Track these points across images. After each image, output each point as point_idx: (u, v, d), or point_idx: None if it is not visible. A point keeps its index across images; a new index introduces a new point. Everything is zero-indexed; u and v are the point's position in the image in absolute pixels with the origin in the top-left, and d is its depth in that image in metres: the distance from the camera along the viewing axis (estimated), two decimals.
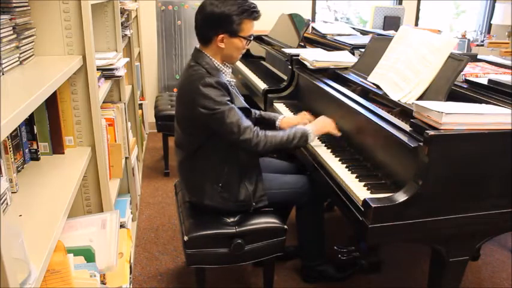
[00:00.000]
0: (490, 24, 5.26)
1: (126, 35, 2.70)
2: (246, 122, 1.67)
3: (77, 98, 1.53)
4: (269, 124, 2.05)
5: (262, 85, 2.85)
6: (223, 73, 1.75)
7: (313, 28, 3.30)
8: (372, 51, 2.17)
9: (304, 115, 2.08)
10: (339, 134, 1.91)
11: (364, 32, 3.23)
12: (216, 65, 1.73)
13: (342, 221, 2.69)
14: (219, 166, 1.76)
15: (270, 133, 1.72)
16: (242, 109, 1.80)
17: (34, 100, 1.00)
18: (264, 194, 1.82)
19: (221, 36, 1.67)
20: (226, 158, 1.76)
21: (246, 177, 1.79)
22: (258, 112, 2.06)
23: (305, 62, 2.45)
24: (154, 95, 4.21)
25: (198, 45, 1.76)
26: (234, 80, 1.89)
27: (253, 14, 1.68)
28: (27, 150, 1.39)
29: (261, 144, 1.68)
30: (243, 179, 1.79)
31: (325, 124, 1.92)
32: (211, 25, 1.67)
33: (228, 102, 1.66)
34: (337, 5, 5.22)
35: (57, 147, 1.50)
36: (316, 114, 2.30)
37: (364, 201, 1.39)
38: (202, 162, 1.77)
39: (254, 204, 1.80)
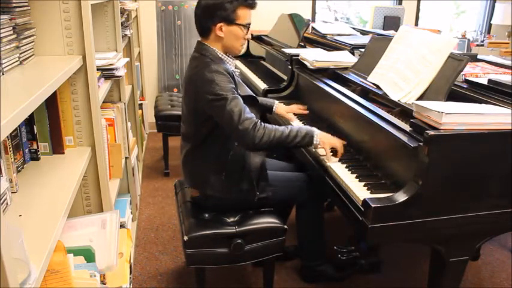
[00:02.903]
0: (490, 24, 5.26)
1: (126, 35, 2.70)
2: (248, 114, 1.65)
3: (77, 98, 1.53)
4: (266, 109, 2.17)
5: (262, 85, 2.85)
6: (228, 63, 1.76)
7: (313, 28, 3.29)
8: (371, 51, 2.17)
9: (298, 105, 2.29)
10: (341, 152, 1.77)
11: (364, 32, 3.22)
12: (220, 55, 1.75)
13: (342, 221, 2.69)
14: (223, 156, 1.76)
15: (270, 127, 1.66)
16: (247, 97, 1.81)
17: (34, 100, 1.00)
18: (268, 185, 1.82)
19: (219, 24, 1.71)
20: (231, 147, 1.76)
21: (250, 166, 1.79)
22: None
23: (305, 62, 2.45)
24: (154, 95, 4.21)
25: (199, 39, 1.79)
26: (238, 71, 1.89)
27: (246, 0, 1.72)
28: (27, 150, 1.39)
29: (258, 137, 1.61)
30: (247, 168, 1.79)
31: (335, 140, 1.77)
32: (208, 15, 1.72)
33: (233, 90, 1.65)
34: (337, 5, 5.22)
35: (57, 147, 1.50)
36: (316, 114, 2.30)
37: (364, 201, 1.39)
38: (207, 152, 1.78)
39: (258, 193, 1.79)
